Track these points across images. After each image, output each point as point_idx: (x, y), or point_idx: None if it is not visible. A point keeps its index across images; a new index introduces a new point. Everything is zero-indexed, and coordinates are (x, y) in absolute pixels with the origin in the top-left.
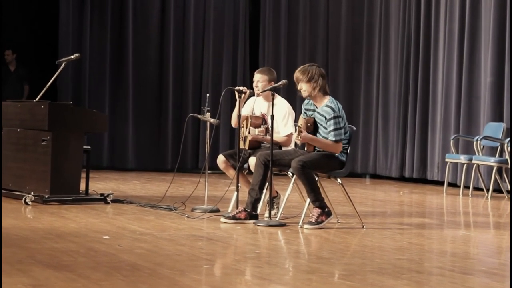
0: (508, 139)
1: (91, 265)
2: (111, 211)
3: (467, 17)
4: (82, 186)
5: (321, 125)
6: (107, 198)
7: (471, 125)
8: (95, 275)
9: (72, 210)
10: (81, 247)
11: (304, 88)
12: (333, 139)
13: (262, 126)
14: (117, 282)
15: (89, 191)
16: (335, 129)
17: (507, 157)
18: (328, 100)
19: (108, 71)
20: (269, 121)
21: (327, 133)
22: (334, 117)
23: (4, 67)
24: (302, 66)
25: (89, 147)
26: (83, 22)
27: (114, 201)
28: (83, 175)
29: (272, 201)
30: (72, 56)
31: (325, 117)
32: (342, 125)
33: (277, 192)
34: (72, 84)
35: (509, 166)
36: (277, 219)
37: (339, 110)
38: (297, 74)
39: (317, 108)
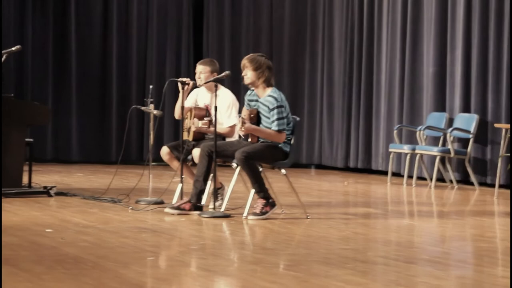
0: (450, 129)
1: (33, 258)
2: (55, 204)
3: (409, 7)
4: (25, 179)
5: (264, 115)
6: (50, 191)
7: (414, 115)
8: (38, 269)
9: (14, 203)
10: (24, 241)
11: (248, 75)
12: (276, 128)
13: (205, 118)
14: (60, 275)
15: (32, 184)
16: (278, 119)
17: (450, 146)
18: (271, 90)
19: (51, 63)
20: (212, 112)
21: (270, 123)
22: (277, 107)
23: None
24: (251, 54)
25: (31, 139)
26: (25, 14)
27: (58, 194)
28: (26, 168)
29: (217, 192)
30: (13, 48)
31: (268, 107)
32: (285, 115)
33: (221, 184)
34: (14, 76)
35: (452, 155)
36: (221, 210)
37: (281, 100)
38: (244, 61)
39: (259, 98)
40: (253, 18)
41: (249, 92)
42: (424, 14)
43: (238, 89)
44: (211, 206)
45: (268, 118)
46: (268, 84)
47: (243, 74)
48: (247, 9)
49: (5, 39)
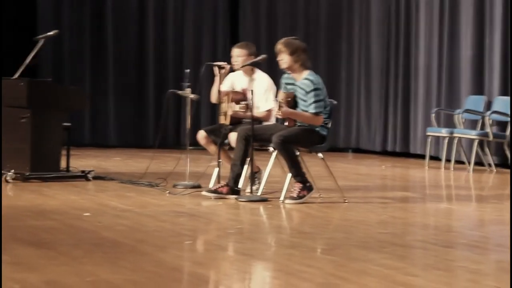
0: (489, 112)
1: (72, 242)
2: (92, 188)
3: None
4: (63, 164)
5: (301, 98)
6: (88, 175)
7: (453, 98)
8: (76, 252)
9: (53, 187)
10: (62, 225)
11: (285, 59)
12: (314, 111)
13: (242, 102)
14: (98, 259)
15: (70, 168)
16: (315, 101)
17: (488, 130)
18: (308, 73)
19: (88, 48)
20: (249, 96)
21: (307, 106)
22: (314, 89)
23: None
24: (285, 38)
25: (69, 124)
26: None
27: (95, 178)
28: (64, 152)
29: (254, 176)
30: (50, 33)
31: (305, 90)
32: (322, 97)
33: (258, 167)
34: (51, 60)
35: (490, 139)
36: (258, 194)
37: (318, 83)
38: (279, 45)
39: (296, 81)
40: (289, 1)
41: (285, 75)
42: None
43: (275, 72)
44: (248, 190)
45: (305, 101)
46: (304, 67)
47: (278, 58)
48: None
49: (43, 24)
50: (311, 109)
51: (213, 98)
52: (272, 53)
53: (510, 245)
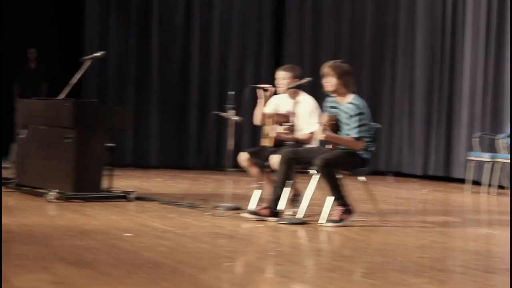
0: None
1: (113, 262)
2: (134, 208)
3: (494, 14)
4: (106, 184)
5: (344, 122)
6: (130, 195)
7: (496, 123)
8: (117, 273)
9: (94, 207)
10: (103, 245)
11: (332, 82)
12: (356, 136)
13: (286, 124)
14: (139, 280)
15: (112, 189)
16: (358, 126)
17: None
18: (352, 97)
19: (133, 69)
20: (293, 118)
21: (350, 130)
22: (358, 114)
23: (25, 65)
24: (332, 61)
25: (113, 144)
26: (109, 20)
27: (137, 198)
28: (107, 172)
29: (295, 199)
30: (97, 54)
31: (349, 114)
32: (365, 122)
33: (299, 190)
34: (96, 81)
35: None
36: (299, 217)
37: (363, 107)
38: (326, 68)
39: (340, 105)
40: (334, 24)
41: (329, 98)
42: (508, 21)
43: (318, 95)
44: (289, 212)
45: (348, 124)
46: (350, 90)
47: (324, 81)
48: (328, 15)
49: (89, 46)
50: (354, 134)
51: (257, 120)
52: (316, 76)
53: None
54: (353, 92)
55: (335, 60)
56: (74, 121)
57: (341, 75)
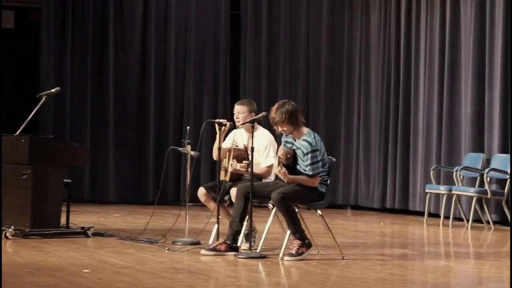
0: (487, 169)
1: None
2: (92, 244)
3: (447, 48)
4: (63, 220)
5: (300, 157)
6: (87, 231)
7: (452, 155)
8: None
9: (52, 244)
10: (62, 281)
11: (285, 128)
12: (310, 173)
13: (244, 161)
14: None
15: (70, 225)
16: (311, 163)
17: (487, 187)
18: (305, 134)
19: (89, 105)
20: (250, 153)
21: (305, 167)
22: (311, 151)
23: None
24: (276, 107)
25: (69, 180)
26: (64, 56)
27: (95, 234)
28: (64, 208)
29: (252, 234)
30: (52, 90)
31: (302, 151)
32: (319, 158)
33: (254, 227)
34: (52, 117)
35: (489, 196)
36: (257, 251)
37: (316, 143)
38: (274, 116)
39: (295, 141)
40: (289, 59)
41: None
42: (462, 54)
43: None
44: (244, 246)
45: (304, 161)
46: (301, 126)
47: (279, 129)
48: (283, 50)
49: (45, 81)
50: (308, 171)
51: (215, 155)
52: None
53: None
54: (305, 126)
55: (278, 103)
56: (30, 157)
57: (288, 119)
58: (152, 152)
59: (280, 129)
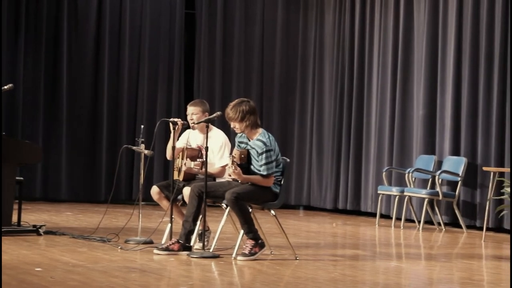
0: (439, 171)
1: None
2: (44, 242)
3: (400, 50)
4: (15, 218)
5: (253, 157)
6: (39, 229)
7: (404, 157)
8: None
9: (4, 242)
10: (13, 279)
11: (237, 126)
12: (264, 173)
13: (198, 159)
14: None
15: (22, 223)
16: (266, 163)
17: (438, 189)
18: (259, 133)
19: (42, 102)
20: (204, 152)
21: (259, 166)
22: (266, 151)
23: None
24: (233, 104)
25: (21, 178)
26: (17, 52)
27: (47, 232)
28: (16, 206)
29: (205, 233)
30: (5, 87)
31: (257, 151)
32: (273, 158)
33: (208, 227)
34: (5, 114)
35: (440, 198)
36: (210, 250)
37: (270, 143)
38: (229, 113)
39: (249, 141)
40: (244, 59)
41: (239, 134)
42: (415, 57)
43: (230, 128)
44: (198, 246)
45: (258, 161)
46: (256, 127)
47: (232, 126)
48: (238, 50)
49: None
50: (262, 171)
51: (168, 154)
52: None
53: None
54: (259, 126)
55: (236, 101)
56: None
57: (244, 118)
58: (105, 150)
59: (232, 125)
